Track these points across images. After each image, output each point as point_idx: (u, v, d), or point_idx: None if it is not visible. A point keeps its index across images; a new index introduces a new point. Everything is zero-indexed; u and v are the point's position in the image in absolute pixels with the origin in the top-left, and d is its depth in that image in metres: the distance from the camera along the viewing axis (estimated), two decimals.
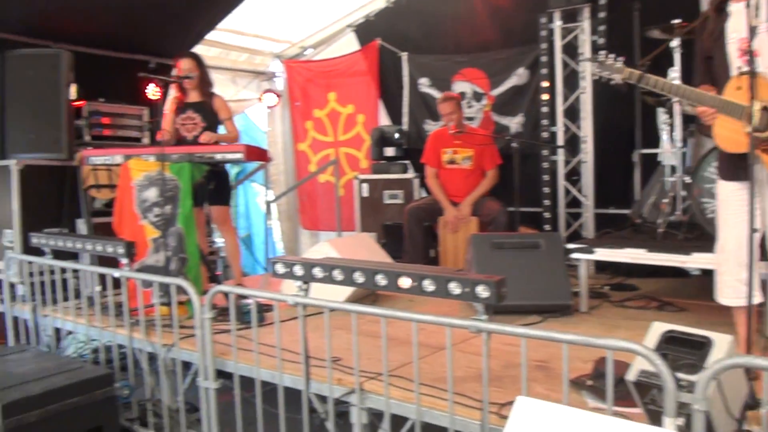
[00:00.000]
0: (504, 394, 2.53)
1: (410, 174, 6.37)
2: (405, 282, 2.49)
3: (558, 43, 5.78)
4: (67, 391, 3.22)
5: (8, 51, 5.01)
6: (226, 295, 3.45)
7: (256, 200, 8.16)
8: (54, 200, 5.05)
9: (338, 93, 7.49)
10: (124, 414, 3.62)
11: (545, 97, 5.89)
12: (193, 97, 4.80)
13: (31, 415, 3.06)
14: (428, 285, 2.43)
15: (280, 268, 2.85)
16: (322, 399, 2.82)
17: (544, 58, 5.86)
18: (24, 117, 5.00)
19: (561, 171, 5.87)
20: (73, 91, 5.12)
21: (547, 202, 5.88)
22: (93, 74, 5.56)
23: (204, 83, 4.79)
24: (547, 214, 5.88)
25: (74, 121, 5.25)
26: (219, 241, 6.10)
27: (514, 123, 6.28)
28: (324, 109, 7.62)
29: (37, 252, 4.25)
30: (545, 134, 5.91)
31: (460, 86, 6.54)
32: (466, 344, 3.21)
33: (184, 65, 4.70)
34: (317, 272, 2.74)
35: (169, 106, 4.87)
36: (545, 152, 5.89)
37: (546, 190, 5.87)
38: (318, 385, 2.82)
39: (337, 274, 2.69)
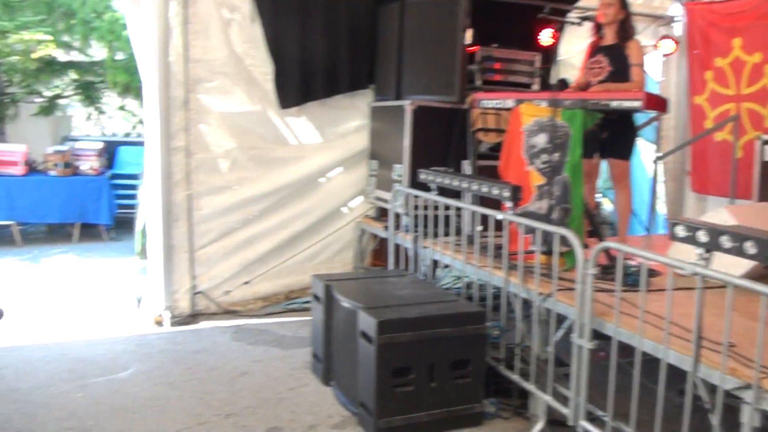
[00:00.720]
0: None
1: None
2: None
3: None
4: (441, 321, 3.38)
5: None
6: (607, 253, 3.28)
7: (640, 157, 7.63)
8: (442, 140, 5.31)
9: (744, 39, 6.43)
10: (492, 353, 3.71)
11: None
12: (608, 39, 4.59)
13: (404, 336, 3.27)
14: None
15: (680, 231, 2.55)
16: (709, 386, 2.50)
17: None
18: (419, 61, 5.31)
19: None
20: (468, 36, 5.24)
21: None
22: (487, 20, 5.63)
23: (623, 26, 4.54)
24: None
25: (467, 66, 5.39)
26: (598, 195, 5.87)
27: None
28: (727, 57, 6.63)
29: (423, 187, 4.50)
30: None
31: None
32: None
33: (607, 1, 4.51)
34: (725, 241, 2.38)
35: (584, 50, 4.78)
36: None
37: None
38: (707, 370, 2.51)
39: (750, 247, 2.30)
